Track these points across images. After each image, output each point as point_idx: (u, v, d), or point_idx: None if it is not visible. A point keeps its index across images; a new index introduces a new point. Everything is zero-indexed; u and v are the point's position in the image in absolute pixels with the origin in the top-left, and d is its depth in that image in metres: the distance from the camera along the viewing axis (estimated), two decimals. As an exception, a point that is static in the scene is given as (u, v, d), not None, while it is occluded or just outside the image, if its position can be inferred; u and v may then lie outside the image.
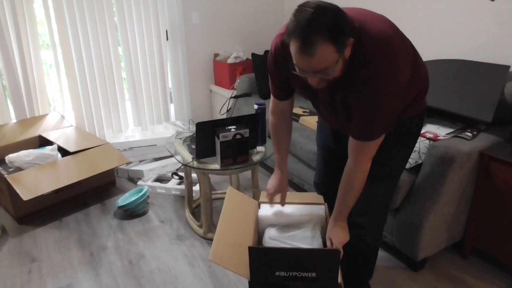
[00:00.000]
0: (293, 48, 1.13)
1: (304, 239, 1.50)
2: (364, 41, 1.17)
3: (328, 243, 1.47)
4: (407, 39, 1.30)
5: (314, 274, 1.26)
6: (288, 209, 1.67)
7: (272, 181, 1.66)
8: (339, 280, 1.27)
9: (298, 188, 2.85)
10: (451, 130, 2.01)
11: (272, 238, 1.52)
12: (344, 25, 1.11)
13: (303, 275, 1.27)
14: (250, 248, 1.26)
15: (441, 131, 2.02)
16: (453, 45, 2.47)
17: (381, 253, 2.14)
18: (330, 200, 1.71)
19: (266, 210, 1.69)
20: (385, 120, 1.26)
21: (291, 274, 1.27)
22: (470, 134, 1.93)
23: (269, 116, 1.63)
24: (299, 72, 1.19)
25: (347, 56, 1.17)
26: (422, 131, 2.11)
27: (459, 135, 1.94)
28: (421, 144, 1.99)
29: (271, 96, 1.58)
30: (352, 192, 1.42)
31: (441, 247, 2.01)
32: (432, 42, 2.54)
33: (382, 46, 1.17)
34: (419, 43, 2.65)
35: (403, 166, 1.58)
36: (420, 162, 1.95)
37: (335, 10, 1.10)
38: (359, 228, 1.60)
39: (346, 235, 1.47)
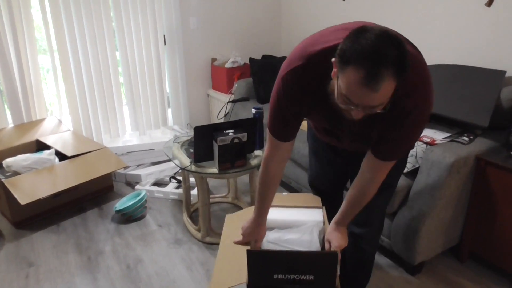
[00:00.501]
0: (351, 77, 0.97)
1: (302, 243, 1.49)
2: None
3: (326, 245, 1.47)
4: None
5: (312, 277, 1.25)
6: (286, 212, 1.67)
7: (248, 229, 1.52)
8: (337, 283, 1.27)
9: (296, 192, 2.86)
10: (448, 134, 2.02)
11: (271, 242, 1.52)
12: (408, 58, 0.98)
13: (301, 278, 1.26)
14: (248, 251, 1.26)
15: (438, 136, 2.04)
16: (449, 50, 2.49)
17: (378, 257, 2.15)
18: (326, 197, 1.75)
19: (272, 214, 1.68)
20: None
21: (289, 277, 1.26)
22: (466, 139, 1.94)
23: (262, 165, 1.43)
24: (344, 106, 1.05)
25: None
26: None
27: (456, 139, 1.95)
28: (418, 149, 2.01)
29: (270, 142, 1.38)
30: (363, 203, 1.40)
31: (438, 251, 2.02)
32: (428, 47, 2.56)
33: (420, 73, 1.13)
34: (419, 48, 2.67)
35: (398, 177, 1.59)
36: (417, 166, 1.96)
37: (400, 40, 0.98)
38: (358, 237, 1.61)
39: (345, 240, 1.46)
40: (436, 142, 1.99)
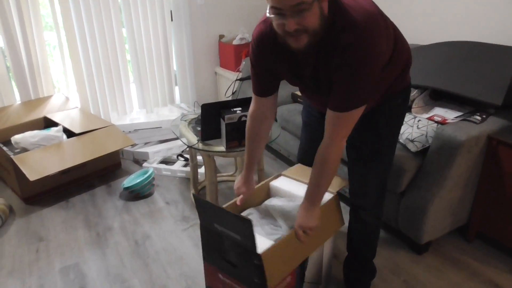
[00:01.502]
0: None
1: (286, 215, 1.55)
2: (345, 7, 1.18)
3: (297, 231, 1.40)
4: (386, 16, 1.30)
5: (238, 237, 1.30)
6: (297, 187, 1.68)
7: (237, 184, 1.62)
8: (259, 251, 1.28)
9: (284, 158, 2.98)
10: (460, 113, 1.99)
11: (266, 204, 1.63)
12: None
13: (231, 234, 1.32)
14: (194, 196, 1.41)
15: (449, 115, 2.00)
16: (463, 27, 2.42)
17: (385, 236, 2.15)
18: None
19: (281, 183, 1.73)
20: (363, 91, 1.24)
21: (224, 230, 1.34)
22: (479, 118, 1.91)
23: (247, 122, 1.54)
24: (275, 17, 1.15)
25: (323, 11, 1.15)
26: (430, 114, 2.09)
27: (468, 118, 1.91)
28: (429, 128, 1.98)
29: (253, 97, 1.50)
30: (326, 171, 1.35)
31: (446, 231, 2.01)
32: (442, 24, 2.50)
33: (363, 15, 1.17)
34: (429, 25, 2.60)
35: (394, 144, 1.56)
36: (427, 145, 1.93)
37: None
38: (358, 208, 1.63)
39: (310, 220, 1.41)
40: (447, 121, 1.96)
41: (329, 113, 1.30)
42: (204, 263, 1.52)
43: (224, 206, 1.58)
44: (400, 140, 2.06)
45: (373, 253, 1.75)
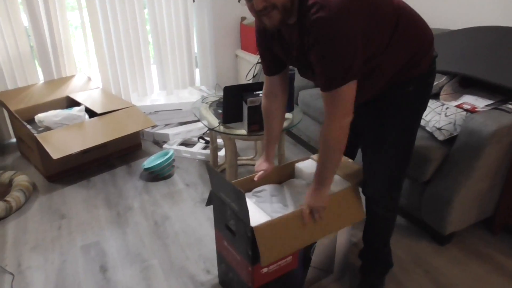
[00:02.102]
0: None
1: (298, 197, 1.58)
2: None
3: (304, 210, 1.42)
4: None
5: (237, 208, 1.36)
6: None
7: (257, 162, 1.70)
8: (251, 225, 1.31)
9: (305, 143, 2.94)
10: (490, 102, 1.91)
11: (285, 183, 1.70)
12: None
13: (231, 205, 1.40)
14: (206, 164, 1.48)
15: (479, 103, 1.93)
16: (493, 10, 2.32)
17: (407, 225, 2.11)
18: None
19: (307, 165, 1.73)
20: (340, 68, 1.20)
21: (226, 199, 1.42)
22: (511, 107, 1.83)
23: (262, 100, 1.62)
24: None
25: None
26: (459, 102, 2.02)
27: (499, 107, 1.84)
28: (457, 116, 1.91)
29: (264, 78, 1.57)
30: (329, 150, 1.34)
31: (470, 222, 1.96)
32: (471, 7, 2.40)
33: None
34: (459, 9, 2.51)
35: (408, 134, 1.48)
36: (455, 134, 1.87)
37: None
38: (368, 199, 1.61)
39: (324, 203, 1.43)
40: (477, 109, 1.89)
41: (322, 95, 1.30)
42: (215, 228, 1.65)
43: (239, 179, 1.64)
44: (427, 128, 2.00)
45: (384, 246, 1.71)
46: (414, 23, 1.35)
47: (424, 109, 1.49)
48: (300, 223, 1.41)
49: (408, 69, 1.37)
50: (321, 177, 1.41)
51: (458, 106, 2.00)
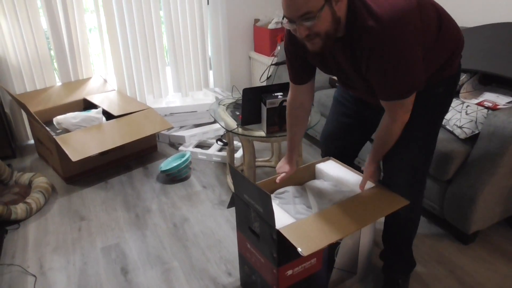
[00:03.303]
0: None
1: (321, 198, 1.57)
2: (369, 4, 1.17)
3: (364, 180, 1.53)
4: (428, 5, 1.27)
5: (261, 210, 1.36)
6: (350, 176, 1.65)
7: (280, 163, 1.71)
8: (276, 226, 1.31)
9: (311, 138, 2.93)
10: (513, 99, 1.89)
11: (307, 184, 1.69)
12: None
13: (256, 206, 1.39)
14: (229, 166, 1.47)
15: (501, 100, 1.91)
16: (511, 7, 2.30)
17: (429, 224, 2.09)
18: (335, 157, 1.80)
19: (328, 166, 1.72)
20: (404, 81, 1.23)
21: (250, 201, 1.41)
22: (534, 104, 1.81)
23: (287, 108, 1.62)
24: (287, 25, 1.21)
25: (339, 12, 1.17)
26: (479, 99, 2.00)
27: (523, 104, 1.82)
28: (478, 114, 1.89)
29: (290, 85, 1.57)
30: (389, 142, 1.43)
31: (494, 221, 1.93)
32: (489, 5, 2.37)
33: (387, 13, 1.15)
34: (476, 6, 2.48)
35: (431, 135, 1.49)
36: (476, 132, 1.85)
37: None
38: None
39: (379, 175, 1.57)
40: (499, 106, 1.87)
41: (383, 102, 1.32)
42: (237, 230, 1.63)
43: (261, 181, 1.64)
44: (447, 127, 1.98)
45: (407, 247, 1.69)
46: (452, 23, 1.35)
47: (447, 110, 1.51)
48: (329, 221, 1.38)
49: (442, 70, 1.37)
50: (375, 157, 1.51)
51: (479, 104, 1.98)
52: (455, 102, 2.04)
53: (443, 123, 2.01)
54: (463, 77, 2.10)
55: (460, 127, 1.91)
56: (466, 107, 1.98)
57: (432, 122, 1.46)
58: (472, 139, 1.87)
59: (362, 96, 1.55)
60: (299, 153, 2.40)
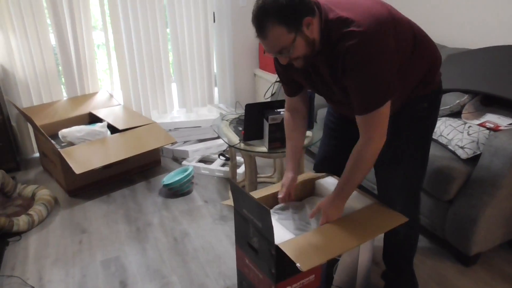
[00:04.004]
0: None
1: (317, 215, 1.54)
2: (339, 18, 1.21)
3: (314, 212, 1.49)
4: (401, 20, 1.29)
5: (260, 225, 1.35)
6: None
7: (283, 180, 1.65)
8: (275, 242, 1.30)
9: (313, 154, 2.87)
10: (515, 120, 1.89)
11: (307, 200, 1.68)
12: (295, 5, 1.18)
13: (255, 222, 1.38)
14: (229, 180, 1.47)
15: (502, 121, 1.91)
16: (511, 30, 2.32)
17: (430, 245, 2.07)
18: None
19: (328, 182, 1.72)
20: (379, 87, 1.23)
21: (249, 216, 1.41)
22: (536, 125, 1.81)
23: (284, 114, 1.67)
24: (269, 54, 1.29)
25: (312, 34, 1.23)
26: (481, 120, 2.00)
27: (524, 125, 1.82)
28: (480, 134, 1.90)
29: (285, 97, 1.65)
30: (359, 169, 1.36)
31: (496, 243, 1.92)
32: (489, 28, 2.40)
33: (359, 21, 1.19)
34: (477, 28, 2.51)
35: (422, 150, 1.50)
36: (478, 152, 1.85)
37: None
38: None
39: (338, 215, 1.45)
40: (500, 128, 1.87)
41: (357, 118, 1.32)
42: (236, 246, 1.62)
43: (260, 197, 1.62)
44: (449, 147, 1.99)
45: (409, 264, 1.68)
46: (426, 39, 1.39)
47: (435, 124, 1.52)
48: (328, 237, 1.38)
49: (424, 85, 1.40)
50: (343, 190, 1.42)
51: (480, 125, 1.98)
52: (457, 122, 2.05)
53: (444, 143, 2.01)
54: (464, 97, 2.11)
55: (462, 147, 1.91)
56: (468, 127, 1.98)
57: (421, 137, 1.48)
58: (473, 160, 1.87)
59: (346, 112, 1.56)
60: (301, 169, 2.40)
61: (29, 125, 2.99)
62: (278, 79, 1.62)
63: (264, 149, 2.11)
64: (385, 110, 1.26)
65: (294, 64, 1.32)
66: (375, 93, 1.24)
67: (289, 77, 1.52)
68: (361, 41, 1.17)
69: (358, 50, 1.18)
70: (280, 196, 1.60)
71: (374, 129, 1.29)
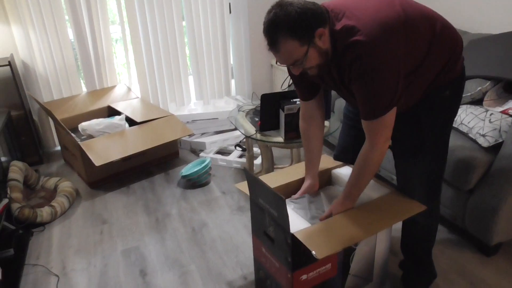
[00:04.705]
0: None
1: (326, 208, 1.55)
2: (345, 27, 1.20)
3: (326, 215, 1.47)
4: (413, 12, 1.26)
5: (276, 214, 1.34)
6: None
7: (304, 183, 1.66)
8: (291, 230, 1.31)
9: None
10: (538, 107, 1.84)
11: (323, 191, 1.68)
12: (308, 18, 1.17)
13: (270, 211, 1.39)
14: (245, 170, 1.44)
15: (526, 108, 1.86)
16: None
17: (450, 236, 2.04)
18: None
19: (344, 172, 1.71)
20: (383, 96, 1.24)
21: (266, 206, 1.41)
22: (561, 112, 1.75)
23: (299, 122, 1.65)
24: (281, 65, 1.29)
25: (324, 45, 1.23)
26: (504, 107, 1.95)
27: (548, 112, 1.77)
28: (503, 122, 1.85)
29: (300, 102, 1.62)
30: (366, 173, 1.39)
31: (519, 233, 1.87)
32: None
33: (365, 29, 1.18)
34: (499, 13, 2.43)
35: (443, 138, 1.48)
36: (500, 140, 1.81)
37: (298, 6, 1.18)
38: None
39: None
40: (523, 115, 1.82)
41: (363, 122, 1.33)
42: (252, 235, 1.64)
43: (277, 186, 1.63)
44: (470, 135, 1.94)
45: (428, 255, 1.66)
46: (447, 27, 1.35)
47: (457, 112, 1.49)
48: (344, 225, 1.37)
49: (444, 74, 1.37)
50: (351, 193, 1.44)
51: (503, 112, 1.93)
52: (478, 110, 2.00)
53: (465, 131, 1.97)
54: (487, 84, 2.06)
55: (483, 136, 1.87)
56: (490, 115, 1.93)
57: (442, 126, 1.45)
58: (495, 148, 1.83)
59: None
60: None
61: (50, 119, 3.06)
62: (294, 87, 1.61)
63: (280, 139, 2.11)
64: (389, 117, 1.28)
65: (308, 72, 1.33)
66: (379, 102, 1.25)
67: (303, 79, 1.50)
68: (365, 52, 1.17)
69: (363, 61, 1.18)
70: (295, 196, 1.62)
71: (379, 136, 1.32)
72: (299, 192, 1.63)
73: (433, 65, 1.34)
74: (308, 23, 1.18)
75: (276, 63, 1.32)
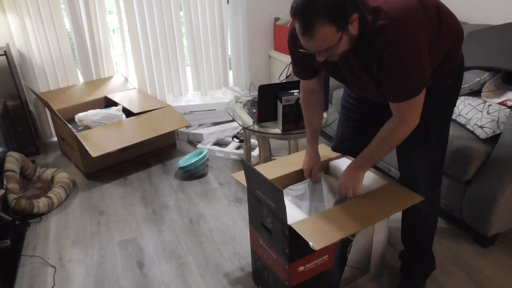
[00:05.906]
0: (296, 28, 1.17)
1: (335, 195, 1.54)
2: (374, 12, 1.17)
3: (342, 193, 1.46)
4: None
5: (273, 205, 1.34)
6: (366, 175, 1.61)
7: (304, 158, 1.67)
8: (288, 222, 1.30)
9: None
10: (537, 98, 1.83)
11: (324, 177, 1.66)
12: (345, 2, 1.11)
13: (268, 202, 1.38)
14: (242, 161, 1.43)
15: (524, 100, 1.86)
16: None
17: (447, 226, 2.04)
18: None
19: (341, 163, 1.70)
20: (418, 77, 1.22)
21: (263, 197, 1.40)
22: (560, 103, 1.75)
23: (300, 94, 1.63)
24: (305, 50, 1.22)
25: (354, 31, 1.18)
26: (502, 98, 1.95)
27: (547, 103, 1.76)
28: (501, 113, 1.84)
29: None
30: (388, 146, 1.37)
31: (516, 224, 1.88)
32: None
33: (392, 14, 1.15)
34: (500, 4, 2.42)
35: (445, 126, 1.48)
36: (498, 132, 1.80)
37: None
38: None
39: (357, 184, 1.46)
40: (522, 106, 1.82)
41: (392, 104, 1.30)
42: (250, 226, 1.64)
43: (274, 177, 1.62)
44: (468, 126, 1.94)
45: (429, 244, 1.66)
46: (449, 14, 1.35)
47: (457, 101, 1.50)
48: (341, 216, 1.37)
49: (448, 61, 1.37)
50: (366, 163, 1.44)
51: (501, 103, 1.92)
52: (476, 101, 2.00)
53: (463, 122, 1.97)
54: (485, 75, 2.05)
55: (481, 127, 1.86)
56: (488, 106, 1.93)
57: (446, 115, 1.46)
58: (493, 139, 1.83)
59: (372, 98, 1.52)
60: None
61: (46, 109, 3.04)
62: (293, 67, 1.57)
63: (278, 130, 2.10)
64: (422, 96, 1.26)
65: (329, 59, 1.26)
66: (414, 84, 1.23)
67: (307, 63, 1.46)
68: (397, 36, 1.14)
69: (395, 45, 1.15)
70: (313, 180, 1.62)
71: (410, 115, 1.30)
72: (305, 169, 1.63)
73: (440, 50, 1.33)
74: (346, 7, 1.12)
75: (299, 49, 1.23)
